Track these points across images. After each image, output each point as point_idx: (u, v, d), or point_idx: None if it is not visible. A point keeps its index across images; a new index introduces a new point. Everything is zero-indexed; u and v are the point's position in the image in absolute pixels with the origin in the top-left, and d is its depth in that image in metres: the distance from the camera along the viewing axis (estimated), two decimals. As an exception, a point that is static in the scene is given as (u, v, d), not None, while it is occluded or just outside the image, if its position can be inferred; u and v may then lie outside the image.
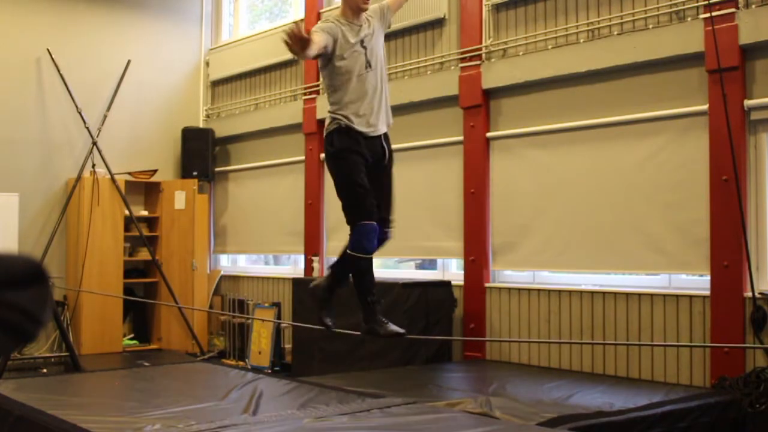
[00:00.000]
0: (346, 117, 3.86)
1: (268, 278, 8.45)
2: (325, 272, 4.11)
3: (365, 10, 3.98)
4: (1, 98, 8.08)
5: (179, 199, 8.79)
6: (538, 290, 5.96)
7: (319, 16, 7.77)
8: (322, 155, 7.72)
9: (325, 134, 3.98)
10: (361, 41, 3.95)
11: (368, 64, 3.93)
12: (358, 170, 3.87)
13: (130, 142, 8.84)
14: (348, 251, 4.02)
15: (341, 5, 4.02)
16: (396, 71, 7.06)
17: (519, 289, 6.08)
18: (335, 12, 4.06)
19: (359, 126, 3.87)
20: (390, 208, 4.09)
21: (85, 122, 8.34)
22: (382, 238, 4.05)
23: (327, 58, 3.88)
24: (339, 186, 3.97)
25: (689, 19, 5.21)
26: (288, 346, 7.49)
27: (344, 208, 4.01)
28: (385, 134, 4.03)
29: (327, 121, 3.97)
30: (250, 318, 7.86)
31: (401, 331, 4.05)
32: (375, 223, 3.94)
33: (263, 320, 7.64)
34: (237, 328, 8.12)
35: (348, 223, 4.03)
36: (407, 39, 6.98)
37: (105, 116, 8.58)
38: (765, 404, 4.46)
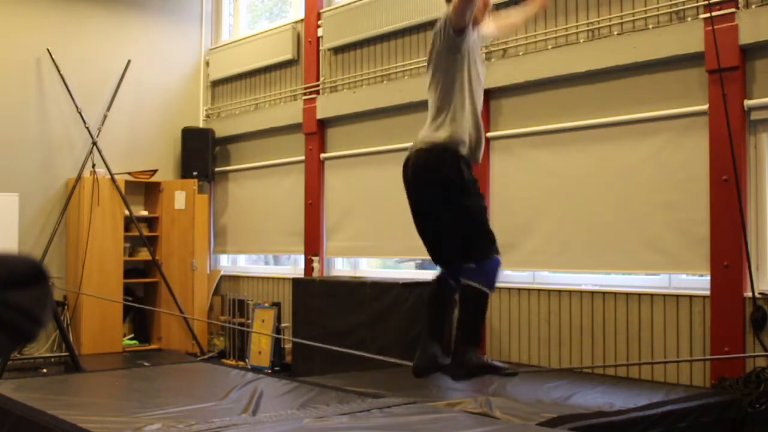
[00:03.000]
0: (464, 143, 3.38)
1: (268, 278, 8.45)
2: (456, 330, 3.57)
3: (481, 21, 3.60)
4: (1, 98, 8.08)
5: (179, 199, 8.79)
6: (538, 290, 5.97)
7: (319, 16, 7.77)
8: (322, 155, 7.72)
9: (447, 154, 3.38)
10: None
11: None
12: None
13: (130, 142, 8.84)
14: (482, 289, 3.44)
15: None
16: (396, 71, 7.06)
17: (519, 289, 6.08)
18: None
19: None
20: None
21: (85, 122, 8.34)
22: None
23: (459, 43, 3.36)
24: (474, 214, 3.42)
25: (689, 19, 5.21)
26: (288, 346, 7.49)
27: (473, 240, 3.43)
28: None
29: (446, 137, 3.39)
30: (248, 329, 7.86)
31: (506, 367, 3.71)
32: None
33: (262, 333, 7.65)
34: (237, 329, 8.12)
35: (476, 255, 3.43)
36: (407, 39, 6.98)
37: (105, 116, 8.58)
38: (765, 404, 4.46)
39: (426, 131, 3.47)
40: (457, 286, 3.52)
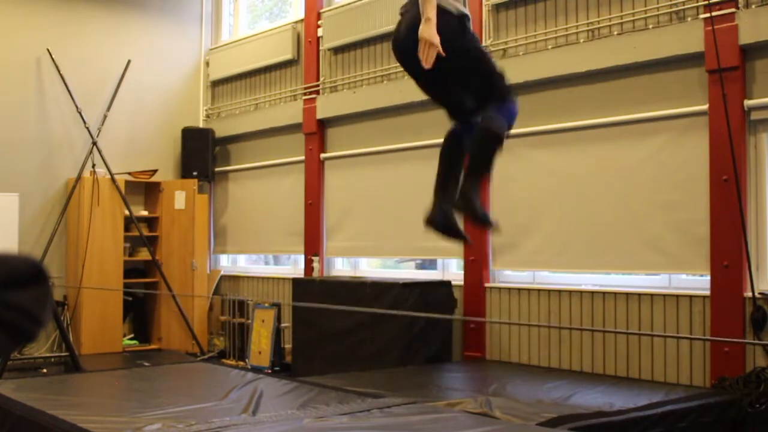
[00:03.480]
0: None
1: (268, 278, 8.46)
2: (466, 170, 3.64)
3: None
4: (1, 98, 8.08)
5: (179, 199, 8.79)
6: (538, 290, 5.97)
7: (319, 16, 7.77)
8: (322, 155, 7.72)
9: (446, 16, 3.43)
10: None
11: None
12: None
13: (130, 142, 8.84)
14: (501, 128, 3.52)
15: None
16: (396, 71, 7.06)
17: (519, 289, 6.08)
18: None
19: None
20: None
21: (85, 122, 8.34)
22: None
23: None
24: (484, 57, 3.62)
25: (689, 19, 5.21)
26: (288, 346, 7.49)
27: (493, 80, 3.58)
28: None
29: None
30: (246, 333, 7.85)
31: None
32: None
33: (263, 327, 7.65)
34: (237, 328, 8.12)
35: (498, 95, 3.57)
36: (407, 39, 6.97)
37: (105, 116, 8.59)
38: (765, 404, 4.46)
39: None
40: (470, 139, 3.67)
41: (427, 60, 3.30)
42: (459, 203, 3.59)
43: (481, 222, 3.63)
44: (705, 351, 5.04)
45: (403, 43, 3.52)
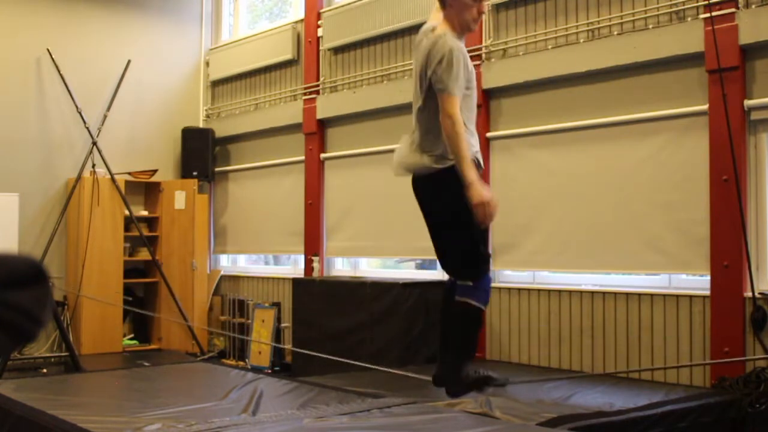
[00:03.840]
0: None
1: (268, 278, 8.45)
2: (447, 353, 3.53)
3: (473, 31, 3.53)
4: (1, 98, 8.08)
5: (179, 199, 8.79)
6: (538, 290, 5.97)
7: (319, 16, 7.77)
8: (322, 155, 7.72)
9: (442, 170, 3.37)
10: None
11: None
12: None
13: (130, 142, 8.84)
14: (479, 305, 3.41)
15: (446, 18, 3.42)
16: (396, 71, 7.06)
17: (519, 289, 6.08)
18: (440, 27, 3.41)
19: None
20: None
21: (85, 122, 8.34)
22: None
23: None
24: (466, 227, 3.34)
25: (689, 19, 5.21)
26: (288, 346, 7.49)
27: (469, 260, 3.42)
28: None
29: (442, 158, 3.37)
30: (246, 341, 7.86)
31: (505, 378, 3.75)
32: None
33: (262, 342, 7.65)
34: (237, 328, 8.12)
35: (471, 276, 3.43)
36: (407, 39, 6.97)
37: (105, 116, 8.58)
38: (765, 404, 4.46)
39: (419, 154, 3.44)
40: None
41: (488, 220, 3.26)
42: (459, 389, 3.51)
43: (482, 387, 3.53)
44: (705, 351, 5.04)
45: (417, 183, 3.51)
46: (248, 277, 8.70)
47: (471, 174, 3.21)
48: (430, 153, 3.37)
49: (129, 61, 8.73)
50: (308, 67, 7.91)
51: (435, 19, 3.49)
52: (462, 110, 3.27)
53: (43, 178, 8.31)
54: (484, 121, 6.32)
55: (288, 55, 8.12)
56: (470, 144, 3.33)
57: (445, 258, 3.57)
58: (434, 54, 3.29)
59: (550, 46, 5.96)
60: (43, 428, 3.81)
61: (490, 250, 6.29)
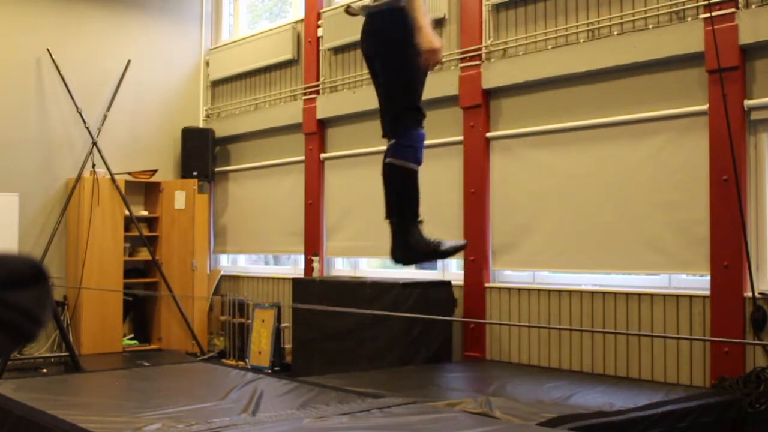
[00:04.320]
0: None
1: (268, 278, 8.46)
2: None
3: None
4: (1, 98, 8.08)
5: (179, 199, 8.79)
6: (538, 290, 5.97)
7: (319, 16, 7.77)
8: (322, 155, 7.72)
9: (394, 8, 3.35)
10: None
11: None
12: None
13: (130, 142, 8.84)
14: (406, 165, 3.36)
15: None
16: (396, 71, 7.06)
17: (519, 289, 6.09)
18: None
19: None
20: None
21: (85, 122, 8.34)
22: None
23: None
24: (408, 71, 3.35)
25: (689, 19, 5.21)
26: (288, 346, 7.49)
27: (400, 105, 3.39)
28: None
29: None
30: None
31: (461, 243, 3.68)
32: None
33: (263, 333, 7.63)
34: (237, 328, 8.12)
35: (401, 126, 3.39)
36: (407, 39, 6.97)
37: (105, 116, 8.59)
38: (765, 404, 4.46)
39: None
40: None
41: (432, 67, 3.26)
42: (408, 255, 3.45)
43: (442, 256, 3.48)
44: (705, 351, 5.04)
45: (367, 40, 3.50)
46: (248, 277, 8.70)
47: (423, 18, 3.21)
48: None
49: (129, 61, 8.74)
50: (308, 67, 7.91)
51: None
52: None
53: (43, 178, 8.31)
54: (484, 121, 6.33)
55: (288, 55, 8.12)
56: None
57: (383, 114, 3.48)
58: None
59: (550, 46, 5.96)
60: (43, 428, 3.81)
61: (490, 250, 6.32)
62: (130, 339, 8.67)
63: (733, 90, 4.91)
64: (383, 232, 7.15)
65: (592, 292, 5.64)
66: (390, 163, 3.37)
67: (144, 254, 8.66)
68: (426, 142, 6.62)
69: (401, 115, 3.39)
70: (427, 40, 3.22)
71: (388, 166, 3.39)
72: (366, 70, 7.30)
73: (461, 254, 6.45)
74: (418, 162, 3.39)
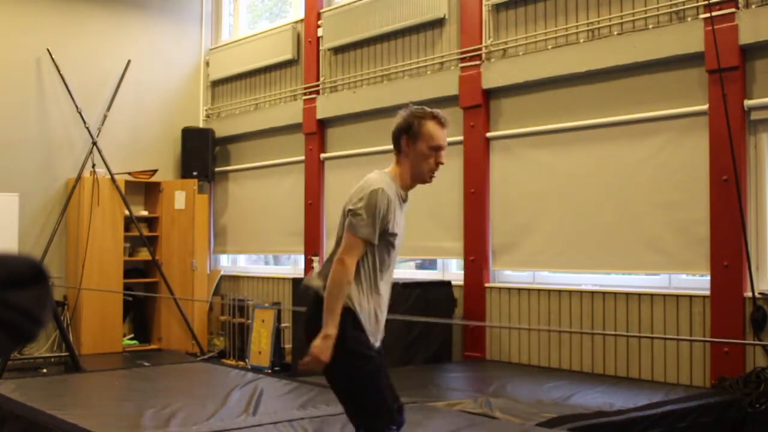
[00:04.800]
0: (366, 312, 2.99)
1: (268, 278, 8.46)
2: None
3: (428, 182, 3.17)
4: (1, 98, 8.08)
5: (179, 199, 8.79)
6: (538, 290, 5.96)
7: (319, 16, 7.77)
8: (322, 155, 7.72)
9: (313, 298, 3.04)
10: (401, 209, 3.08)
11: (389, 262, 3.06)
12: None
13: (130, 142, 8.84)
14: None
15: (398, 164, 3.12)
16: (396, 71, 7.06)
17: (519, 289, 6.08)
18: (389, 171, 3.15)
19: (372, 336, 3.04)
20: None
21: (85, 122, 8.34)
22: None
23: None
24: (343, 372, 2.99)
25: (689, 19, 5.21)
26: (288, 346, 7.49)
27: (350, 412, 3.01)
28: None
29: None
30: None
31: None
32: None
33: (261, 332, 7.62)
34: (237, 328, 8.12)
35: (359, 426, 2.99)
36: (407, 39, 6.98)
37: (105, 116, 8.58)
38: (765, 404, 4.46)
39: (316, 277, 3.06)
40: None
41: (303, 368, 2.92)
42: None
43: None
44: (705, 351, 5.04)
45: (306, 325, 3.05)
46: (248, 277, 8.70)
47: (328, 326, 2.88)
48: (323, 278, 2.98)
49: (129, 61, 8.73)
50: (308, 67, 7.91)
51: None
52: (376, 259, 2.95)
53: (43, 178, 8.31)
54: (484, 121, 6.32)
55: (288, 55, 8.12)
56: (362, 301, 2.95)
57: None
58: (358, 190, 2.99)
59: (550, 46, 5.96)
60: (43, 428, 3.81)
61: (490, 250, 6.31)
62: (130, 339, 8.67)
63: (733, 90, 4.91)
64: (383, 232, 7.16)
65: (592, 292, 5.64)
66: None
67: (144, 254, 8.66)
68: (426, 142, 6.64)
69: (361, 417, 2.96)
70: (318, 347, 2.87)
71: None
72: (366, 70, 7.36)
73: (461, 254, 6.46)
74: None
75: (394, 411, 2.94)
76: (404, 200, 3.09)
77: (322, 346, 2.88)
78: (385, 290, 3.05)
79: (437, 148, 3.04)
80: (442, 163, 3.10)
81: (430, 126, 3.04)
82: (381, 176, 3.06)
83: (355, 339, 2.94)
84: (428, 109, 3.07)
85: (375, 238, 2.91)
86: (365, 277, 2.96)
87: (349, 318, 2.93)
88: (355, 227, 2.91)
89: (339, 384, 3.00)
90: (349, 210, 2.96)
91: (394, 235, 2.98)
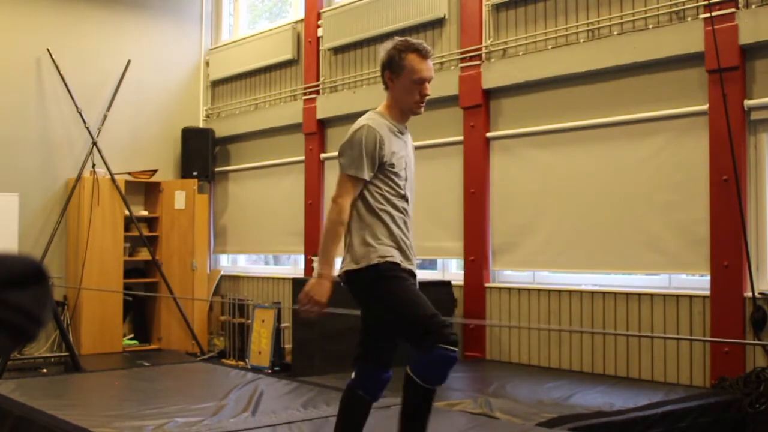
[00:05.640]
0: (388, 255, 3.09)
1: (268, 278, 8.46)
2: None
3: (418, 114, 3.27)
4: (1, 98, 8.08)
5: (179, 199, 8.79)
6: (538, 290, 5.97)
7: (319, 16, 7.77)
8: (322, 155, 7.72)
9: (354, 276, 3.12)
10: (404, 145, 3.24)
11: (407, 177, 3.20)
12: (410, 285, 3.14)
13: (130, 142, 8.84)
14: (416, 380, 3.01)
15: (388, 102, 3.29)
16: (396, 71, 7.05)
17: (519, 289, 6.08)
18: (378, 109, 3.34)
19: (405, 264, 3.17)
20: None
21: (85, 122, 8.34)
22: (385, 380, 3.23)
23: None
24: (395, 316, 3.09)
25: (689, 19, 5.21)
26: (288, 346, 7.49)
27: (410, 333, 3.07)
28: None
29: (356, 260, 3.09)
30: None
31: None
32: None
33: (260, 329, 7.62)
34: (237, 328, 8.12)
35: (414, 345, 3.06)
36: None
37: (105, 116, 8.58)
38: (765, 404, 4.46)
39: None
40: (368, 397, 3.18)
41: (302, 309, 3.01)
42: None
43: None
44: (705, 351, 5.04)
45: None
46: (248, 277, 8.70)
47: (323, 267, 2.99)
48: (347, 253, 3.12)
49: (129, 61, 8.73)
50: (308, 67, 7.91)
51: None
52: (384, 192, 3.07)
53: (43, 178, 8.31)
54: (484, 121, 6.32)
55: (288, 55, 8.12)
56: (380, 244, 3.05)
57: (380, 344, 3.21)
58: (347, 135, 3.16)
59: (550, 46, 5.96)
60: (43, 428, 3.81)
61: (490, 249, 6.31)
62: (130, 339, 8.67)
63: (733, 90, 4.91)
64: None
65: (592, 292, 5.64)
66: (408, 375, 3.03)
67: (144, 254, 8.66)
68: (426, 142, 6.67)
69: (410, 331, 3.06)
70: (310, 287, 3.01)
71: (408, 379, 3.04)
72: (366, 70, 7.35)
73: (461, 254, 6.46)
74: (426, 382, 3.01)
75: (441, 325, 2.94)
76: (401, 133, 3.22)
77: (316, 285, 2.98)
78: (404, 220, 3.15)
79: (420, 81, 3.12)
80: (428, 95, 3.19)
81: (412, 59, 3.11)
82: (369, 115, 3.24)
83: (379, 268, 3.03)
84: (411, 41, 3.16)
85: (364, 173, 3.02)
86: (381, 210, 3.05)
87: (373, 253, 3.02)
88: (342, 166, 3.07)
89: (378, 312, 3.10)
90: (338, 153, 3.15)
91: (393, 165, 3.09)
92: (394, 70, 3.15)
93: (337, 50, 7.64)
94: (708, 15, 4.96)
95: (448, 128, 6.59)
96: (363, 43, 7.38)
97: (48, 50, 8.25)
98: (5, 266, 1.13)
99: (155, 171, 8.86)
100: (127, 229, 8.52)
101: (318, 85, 7.79)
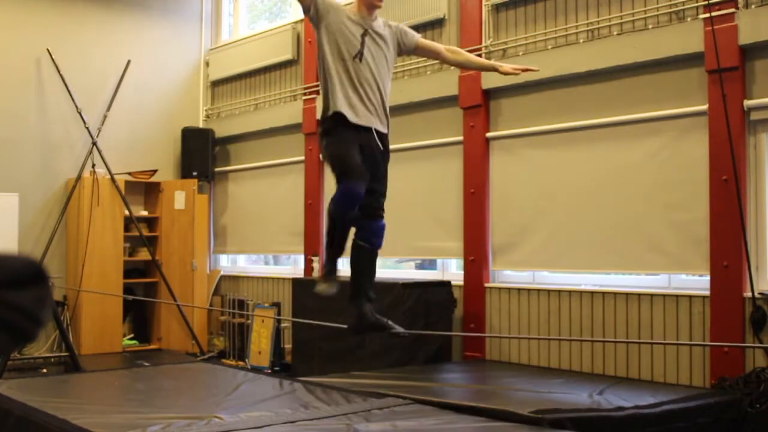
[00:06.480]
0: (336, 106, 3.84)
1: (268, 278, 8.46)
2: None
3: (378, 6, 4.02)
4: (1, 98, 8.09)
5: (179, 199, 8.79)
6: (538, 290, 5.97)
7: (319, 16, 7.76)
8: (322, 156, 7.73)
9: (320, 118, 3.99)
10: (363, 33, 3.92)
11: (360, 55, 3.88)
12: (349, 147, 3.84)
13: (130, 142, 8.84)
14: (363, 244, 4.18)
15: None
16: (396, 71, 7.05)
17: (519, 289, 6.08)
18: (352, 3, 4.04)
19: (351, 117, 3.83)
20: (381, 198, 4.08)
21: (85, 122, 8.34)
22: (380, 226, 4.14)
23: (315, 25, 3.91)
24: (331, 159, 3.92)
25: (689, 19, 5.21)
26: (288, 346, 7.49)
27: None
28: (383, 134, 3.99)
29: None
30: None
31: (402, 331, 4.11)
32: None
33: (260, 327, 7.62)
34: (237, 328, 8.12)
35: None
36: (407, 39, 6.97)
37: (105, 116, 8.59)
38: (765, 404, 4.46)
39: None
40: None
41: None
42: (360, 326, 4.11)
43: (386, 331, 4.03)
44: (705, 351, 5.04)
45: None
46: (248, 277, 8.70)
47: None
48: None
49: (129, 61, 8.74)
50: (308, 67, 7.91)
51: None
52: (336, 54, 3.85)
53: (43, 178, 8.31)
54: (484, 121, 6.32)
55: (288, 55, 8.12)
56: (335, 89, 3.84)
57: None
58: None
59: (550, 46, 5.96)
60: (43, 428, 3.81)
61: (490, 250, 6.32)
62: (130, 339, 8.67)
63: (733, 90, 4.91)
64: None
65: (592, 293, 5.64)
66: (356, 242, 4.09)
67: (144, 254, 8.66)
68: (426, 142, 6.67)
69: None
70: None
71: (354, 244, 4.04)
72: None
73: (461, 254, 6.46)
74: (331, 207, 4.03)
75: (360, 171, 3.74)
76: (363, 23, 3.95)
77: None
78: (357, 86, 3.85)
79: None
80: None
81: None
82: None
83: (327, 123, 3.84)
84: None
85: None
86: (335, 70, 3.81)
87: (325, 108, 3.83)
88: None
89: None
90: None
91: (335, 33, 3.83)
92: None
93: (337, 50, 7.62)
94: (708, 15, 4.96)
95: (448, 128, 6.59)
96: (363, 43, 7.36)
97: (48, 50, 8.26)
98: (5, 266, 1.13)
99: (155, 171, 8.86)
100: (127, 229, 8.53)
101: (318, 85, 7.78)
